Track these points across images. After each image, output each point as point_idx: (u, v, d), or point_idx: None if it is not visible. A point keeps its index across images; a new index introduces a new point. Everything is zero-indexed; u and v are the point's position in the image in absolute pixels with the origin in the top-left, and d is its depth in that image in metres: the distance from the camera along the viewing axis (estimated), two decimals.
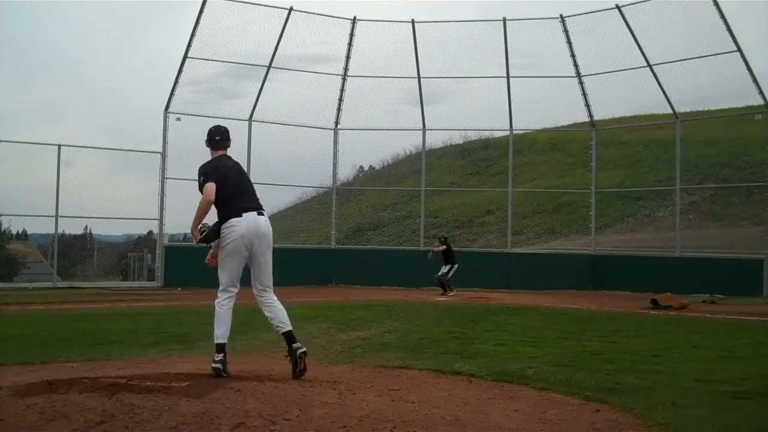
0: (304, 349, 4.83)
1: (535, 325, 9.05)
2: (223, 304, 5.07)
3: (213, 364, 4.73)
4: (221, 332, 4.94)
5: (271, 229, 5.14)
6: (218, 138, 5.28)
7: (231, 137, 5.39)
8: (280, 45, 17.88)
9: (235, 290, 5.12)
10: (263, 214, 5.13)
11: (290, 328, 4.95)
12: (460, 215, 27.81)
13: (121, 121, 55.38)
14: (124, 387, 3.96)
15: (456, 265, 15.69)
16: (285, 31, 17.77)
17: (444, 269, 15.71)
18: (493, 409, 4.05)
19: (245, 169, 5.64)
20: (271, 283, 5.12)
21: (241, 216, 5.01)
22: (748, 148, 21.30)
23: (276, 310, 5.02)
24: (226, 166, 5.19)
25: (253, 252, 5.05)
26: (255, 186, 5.38)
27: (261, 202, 5.24)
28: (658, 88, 17.24)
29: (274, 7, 17.59)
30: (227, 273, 5.10)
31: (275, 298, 5.09)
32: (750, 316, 10.78)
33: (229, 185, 5.09)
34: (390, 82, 18.88)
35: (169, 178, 16.98)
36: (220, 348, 4.84)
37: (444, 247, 15.92)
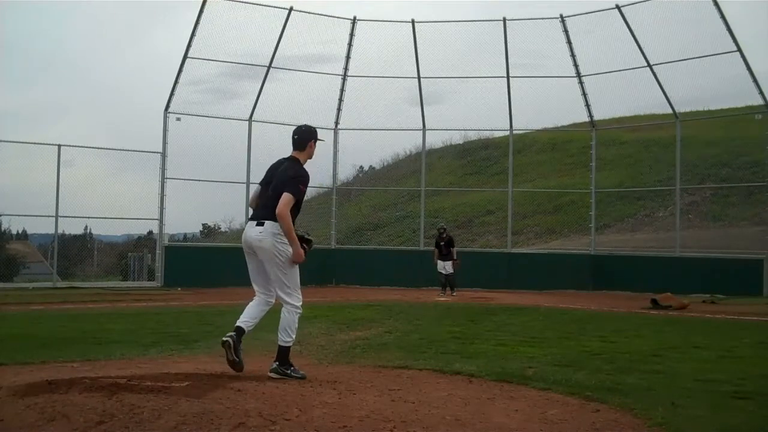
0: (271, 374, 4.78)
1: (535, 325, 9.05)
2: (254, 298, 5.10)
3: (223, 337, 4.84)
4: (242, 317, 4.95)
5: (265, 241, 4.88)
6: (292, 138, 5.28)
7: (308, 136, 5.23)
8: (280, 45, 17.90)
9: (261, 292, 5.04)
10: (262, 224, 4.93)
11: (282, 344, 4.86)
12: (460, 215, 27.81)
13: (121, 121, 55.32)
14: (124, 387, 3.95)
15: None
16: (285, 31, 17.79)
17: (448, 267, 15.61)
18: (493, 409, 4.05)
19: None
20: (282, 293, 4.95)
21: (248, 223, 5.15)
22: (748, 148, 21.30)
23: (281, 321, 4.97)
24: (273, 167, 5.23)
25: (260, 260, 5.02)
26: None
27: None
28: (658, 88, 17.26)
29: (274, 7, 17.61)
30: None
31: (287, 311, 4.94)
32: (750, 316, 10.78)
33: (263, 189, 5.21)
34: (390, 82, 18.90)
35: (169, 178, 17.00)
36: (236, 329, 4.87)
37: (454, 252, 15.81)
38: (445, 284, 15.59)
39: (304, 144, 5.22)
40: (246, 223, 5.17)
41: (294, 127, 5.31)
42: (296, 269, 4.97)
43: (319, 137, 5.33)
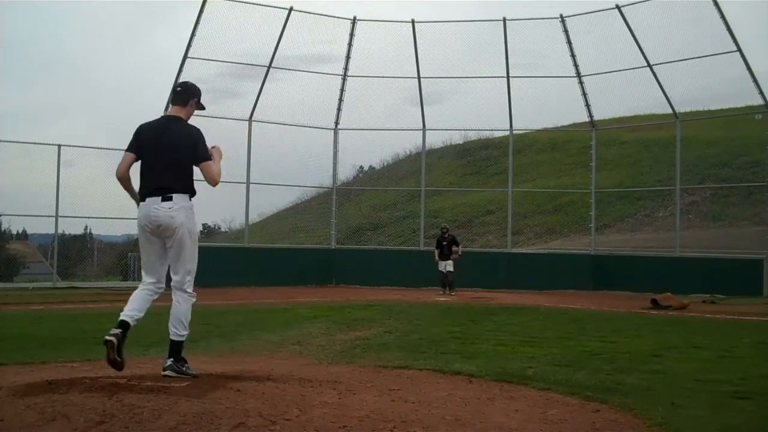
0: (167, 372, 4.31)
1: (535, 325, 9.05)
2: (139, 287, 4.56)
3: (106, 335, 4.26)
4: (127, 309, 4.42)
5: (177, 218, 4.41)
6: (174, 91, 4.74)
7: (193, 93, 4.71)
8: (280, 45, 17.90)
9: (151, 282, 4.52)
10: (170, 198, 4.42)
11: (176, 338, 4.40)
12: (460, 215, 27.81)
13: (121, 121, 55.39)
14: (124, 387, 3.95)
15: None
16: (285, 31, 17.79)
17: (449, 266, 15.68)
18: (493, 409, 4.05)
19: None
20: (184, 279, 4.50)
21: (144, 200, 4.54)
22: (748, 148, 21.32)
23: (173, 312, 4.48)
24: (149, 130, 4.59)
25: (165, 241, 4.49)
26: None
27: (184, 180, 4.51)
28: (658, 88, 17.26)
29: (274, 7, 17.62)
30: (141, 260, 4.63)
31: (182, 299, 4.50)
32: (750, 316, 10.78)
33: (144, 158, 4.55)
34: (390, 82, 18.91)
35: None
36: (120, 323, 4.35)
37: (459, 249, 15.93)
38: (445, 283, 15.61)
39: (187, 100, 4.69)
40: (146, 204, 4.53)
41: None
42: (197, 250, 4.56)
43: (202, 102, 4.77)
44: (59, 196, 16.01)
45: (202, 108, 4.81)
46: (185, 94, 4.71)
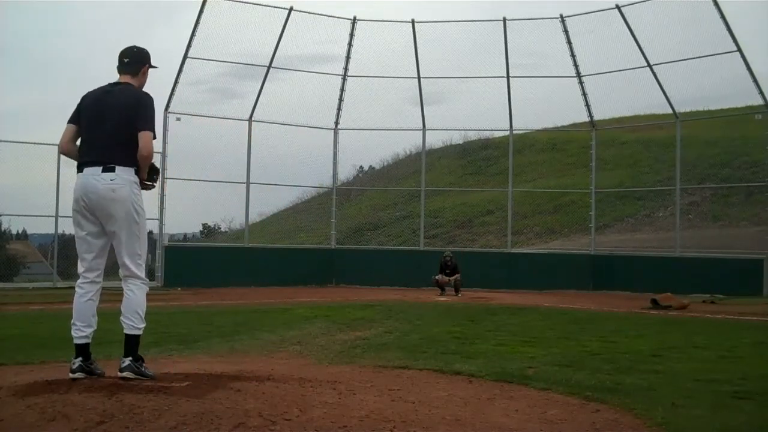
0: (125, 374, 3.94)
1: (535, 325, 9.05)
2: (76, 291, 4.13)
3: (70, 374, 3.98)
4: (74, 329, 4.07)
5: (120, 192, 3.88)
6: (122, 62, 4.18)
7: (143, 59, 4.19)
8: (280, 45, 17.90)
9: (90, 275, 4.09)
10: (113, 169, 3.87)
11: (133, 332, 4.00)
12: (460, 215, 27.80)
13: None
14: (124, 387, 3.94)
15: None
16: (285, 31, 17.79)
17: (456, 275, 15.57)
18: (493, 409, 4.05)
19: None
20: (131, 262, 4.02)
21: (81, 171, 4.00)
22: (748, 148, 21.32)
23: (125, 303, 4.04)
24: (90, 96, 4.10)
25: (102, 222, 3.97)
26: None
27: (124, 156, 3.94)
28: (658, 88, 17.26)
29: (274, 7, 17.62)
30: (77, 248, 4.13)
31: (135, 287, 4.05)
32: (750, 316, 10.78)
33: (83, 128, 4.05)
34: (390, 82, 18.91)
35: (169, 178, 16.96)
36: (77, 350, 4.03)
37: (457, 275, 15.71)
38: (443, 287, 15.48)
39: (138, 68, 4.17)
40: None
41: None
42: (146, 231, 4.16)
43: (153, 63, 4.25)
44: (59, 196, 15.99)
45: (154, 67, 4.29)
46: (136, 63, 4.17)
